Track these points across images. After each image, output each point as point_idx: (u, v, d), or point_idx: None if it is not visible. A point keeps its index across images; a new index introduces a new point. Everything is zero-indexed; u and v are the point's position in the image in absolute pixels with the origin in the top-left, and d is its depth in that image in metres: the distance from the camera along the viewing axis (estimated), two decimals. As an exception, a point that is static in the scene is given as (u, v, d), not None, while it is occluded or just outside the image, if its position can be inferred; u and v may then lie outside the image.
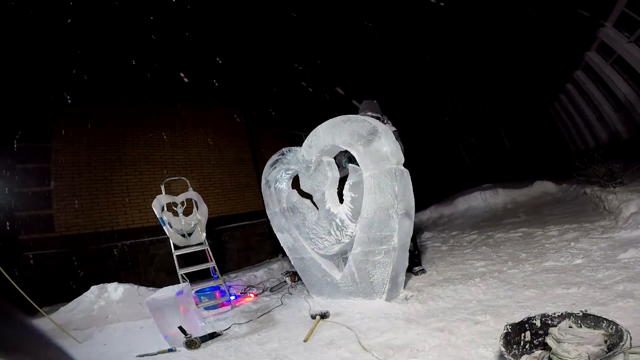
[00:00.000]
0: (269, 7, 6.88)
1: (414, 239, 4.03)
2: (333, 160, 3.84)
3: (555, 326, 1.62)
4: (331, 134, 3.52)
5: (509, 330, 1.64)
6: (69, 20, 5.27)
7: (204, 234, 4.81)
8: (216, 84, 8.23)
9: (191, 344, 3.05)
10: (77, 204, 5.89)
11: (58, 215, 5.68)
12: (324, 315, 3.13)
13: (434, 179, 17.73)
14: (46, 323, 3.58)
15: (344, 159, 4.16)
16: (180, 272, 4.37)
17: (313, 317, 3.16)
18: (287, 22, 7.61)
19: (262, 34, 7.57)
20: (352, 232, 3.49)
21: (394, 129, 3.87)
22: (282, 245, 4.39)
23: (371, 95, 4.62)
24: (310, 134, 3.79)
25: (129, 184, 6.61)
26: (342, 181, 3.71)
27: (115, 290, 4.45)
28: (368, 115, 3.73)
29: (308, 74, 9.69)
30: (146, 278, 6.07)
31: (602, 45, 8.22)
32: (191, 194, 5.02)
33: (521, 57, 11.41)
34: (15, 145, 5.52)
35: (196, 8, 6.31)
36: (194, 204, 4.99)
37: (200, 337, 3.14)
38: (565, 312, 1.66)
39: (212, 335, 3.25)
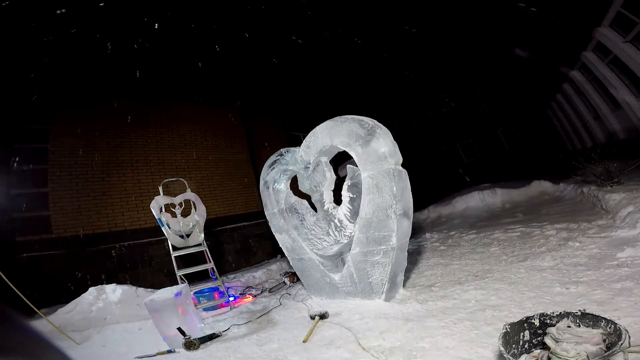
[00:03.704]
0: (269, 7, 6.88)
1: None
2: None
3: (554, 325, 1.62)
4: (329, 134, 3.52)
5: (508, 329, 1.64)
6: (67, 22, 5.25)
7: (202, 235, 4.80)
8: (214, 85, 8.21)
9: (190, 345, 3.05)
10: (74, 206, 5.87)
11: (56, 217, 5.65)
12: (323, 316, 3.13)
13: (432, 179, 17.76)
14: (44, 325, 3.56)
15: None
16: (179, 273, 4.36)
17: (312, 317, 3.16)
18: (286, 22, 7.61)
19: (261, 33, 7.57)
20: (350, 233, 3.49)
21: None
22: (280, 245, 4.39)
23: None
24: (308, 135, 3.78)
25: (127, 185, 6.59)
26: (341, 181, 3.71)
27: (113, 292, 4.44)
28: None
29: (308, 74, 9.69)
30: (144, 279, 6.05)
31: (598, 45, 8.26)
32: (189, 195, 5.01)
33: (518, 57, 11.45)
34: (12, 147, 5.50)
35: (195, 8, 6.30)
36: (192, 205, 4.98)
37: (199, 338, 3.14)
38: (564, 311, 1.66)
39: (211, 337, 3.24)
